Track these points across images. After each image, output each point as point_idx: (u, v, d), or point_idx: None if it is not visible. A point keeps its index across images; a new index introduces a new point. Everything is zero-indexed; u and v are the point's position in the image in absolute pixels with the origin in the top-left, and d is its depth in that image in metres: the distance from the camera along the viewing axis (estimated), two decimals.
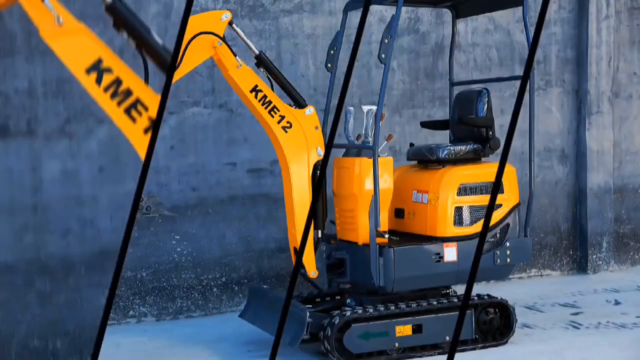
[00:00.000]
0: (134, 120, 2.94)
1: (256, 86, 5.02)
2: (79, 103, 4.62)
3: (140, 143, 2.94)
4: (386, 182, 5.14)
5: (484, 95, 5.66)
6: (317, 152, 5.18)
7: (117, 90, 2.93)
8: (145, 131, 2.96)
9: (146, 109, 2.94)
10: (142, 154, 3.01)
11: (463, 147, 5.50)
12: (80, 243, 4.64)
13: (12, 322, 4.58)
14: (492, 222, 5.42)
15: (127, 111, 2.94)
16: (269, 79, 5.17)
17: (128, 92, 2.93)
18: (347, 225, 5.35)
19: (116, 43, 4.55)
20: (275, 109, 5.06)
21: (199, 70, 6.05)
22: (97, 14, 4.55)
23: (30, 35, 4.49)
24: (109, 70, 2.92)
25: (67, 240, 4.63)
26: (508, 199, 5.48)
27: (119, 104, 2.93)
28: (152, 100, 2.94)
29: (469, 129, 5.69)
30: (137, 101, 2.94)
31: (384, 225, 5.13)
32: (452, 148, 5.47)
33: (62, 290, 4.64)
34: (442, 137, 6.53)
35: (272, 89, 5.14)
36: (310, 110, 5.21)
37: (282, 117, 5.10)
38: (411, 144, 5.94)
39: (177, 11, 6.29)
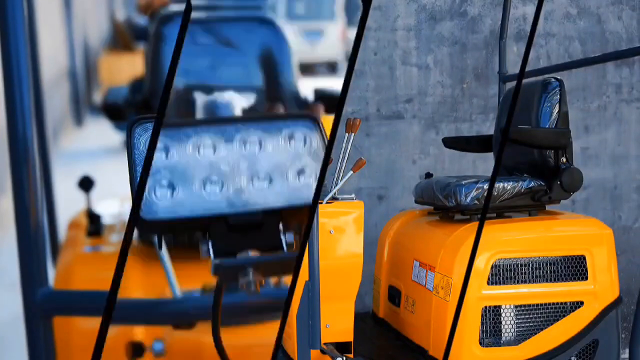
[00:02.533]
0: None
1: None
2: None
3: None
4: (343, 248, 2.81)
5: (554, 89, 3.23)
6: None
7: None
8: None
9: None
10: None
11: (509, 186, 3.03)
12: None
13: None
14: (564, 333, 2.97)
15: None
16: None
17: None
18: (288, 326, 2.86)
19: None
20: None
21: None
22: None
23: None
24: None
25: None
26: (596, 291, 2.93)
27: None
28: None
29: (522, 151, 3.22)
30: None
31: (335, 334, 2.81)
32: (483, 186, 3.00)
33: None
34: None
35: None
36: None
37: None
38: (427, 174, 3.61)
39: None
